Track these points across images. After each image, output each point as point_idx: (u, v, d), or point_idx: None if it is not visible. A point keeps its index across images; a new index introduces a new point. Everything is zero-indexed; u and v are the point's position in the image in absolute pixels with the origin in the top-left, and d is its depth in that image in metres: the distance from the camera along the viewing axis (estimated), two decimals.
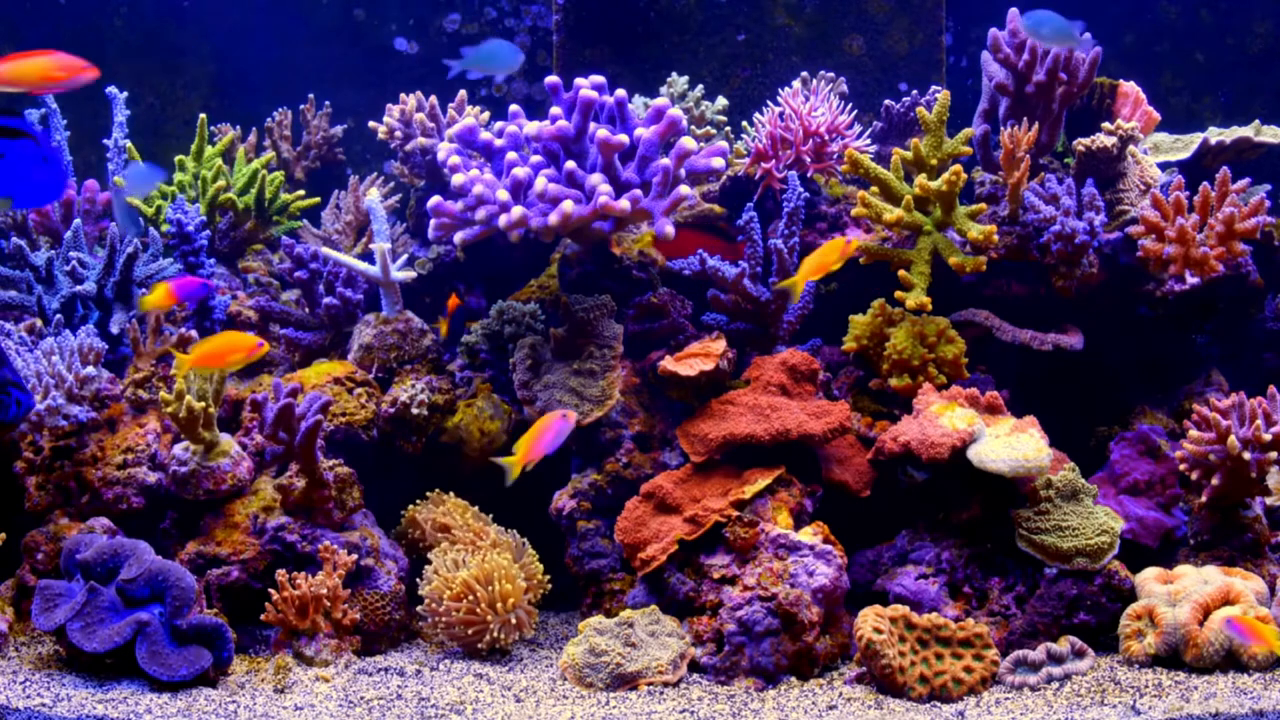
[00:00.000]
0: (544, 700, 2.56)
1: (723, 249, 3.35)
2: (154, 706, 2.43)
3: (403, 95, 3.87)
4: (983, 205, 3.15)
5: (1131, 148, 3.39)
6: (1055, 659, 2.62)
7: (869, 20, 4.13)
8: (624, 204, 2.95)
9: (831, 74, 3.90)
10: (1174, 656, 2.61)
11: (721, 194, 3.59)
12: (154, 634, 2.55)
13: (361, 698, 2.55)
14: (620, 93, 3.12)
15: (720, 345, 3.11)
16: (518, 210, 2.97)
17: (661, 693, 2.61)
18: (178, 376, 2.89)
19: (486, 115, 3.85)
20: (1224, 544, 2.87)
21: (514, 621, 2.83)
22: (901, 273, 3.16)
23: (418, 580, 2.93)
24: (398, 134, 3.85)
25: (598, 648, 2.67)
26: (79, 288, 3.33)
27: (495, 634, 2.80)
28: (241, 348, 2.81)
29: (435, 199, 3.12)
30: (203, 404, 2.90)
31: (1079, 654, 2.64)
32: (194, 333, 3.24)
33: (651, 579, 2.87)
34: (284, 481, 2.93)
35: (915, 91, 3.90)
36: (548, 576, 3.00)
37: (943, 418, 2.88)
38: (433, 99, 3.84)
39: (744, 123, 3.72)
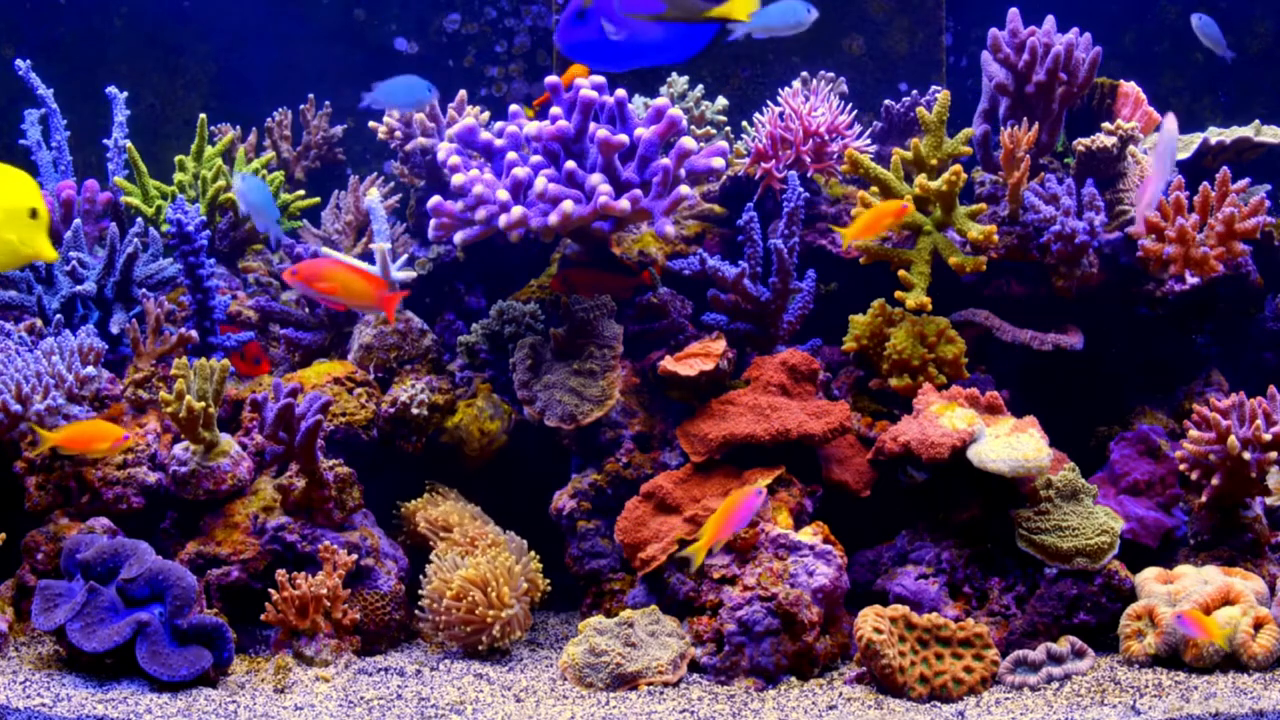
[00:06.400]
0: (544, 700, 2.56)
1: (621, 283, 3.28)
2: (154, 706, 2.43)
3: None
4: (983, 205, 3.15)
5: (1131, 148, 3.39)
6: (1055, 659, 2.62)
7: (869, 20, 4.13)
8: (624, 204, 2.95)
9: (831, 74, 3.90)
10: (1174, 656, 2.60)
11: (721, 194, 3.59)
12: (154, 634, 2.55)
13: (361, 698, 2.55)
14: (620, 92, 3.12)
15: (720, 345, 3.11)
16: (518, 210, 2.97)
17: (661, 693, 2.61)
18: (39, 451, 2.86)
19: (486, 115, 3.85)
20: (1224, 544, 2.87)
21: (512, 622, 2.83)
22: (901, 273, 3.16)
23: (420, 578, 2.93)
24: (398, 134, 3.85)
25: (598, 648, 2.67)
26: (79, 288, 3.33)
27: (494, 634, 2.80)
28: (107, 437, 2.79)
29: (435, 199, 3.11)
30: (203, 404, 2.90)
31: (1079, 654, 2.64)
32: (194, 333, 3.24)
33: (651, 579, 2.87)
34: (284, 481, 2.93)
35: (915, 91, 3.90)
36: (547, 581, 3.00)
37: (943, 418, 2.88)
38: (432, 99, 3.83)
39: (744, 123, 3.72)
